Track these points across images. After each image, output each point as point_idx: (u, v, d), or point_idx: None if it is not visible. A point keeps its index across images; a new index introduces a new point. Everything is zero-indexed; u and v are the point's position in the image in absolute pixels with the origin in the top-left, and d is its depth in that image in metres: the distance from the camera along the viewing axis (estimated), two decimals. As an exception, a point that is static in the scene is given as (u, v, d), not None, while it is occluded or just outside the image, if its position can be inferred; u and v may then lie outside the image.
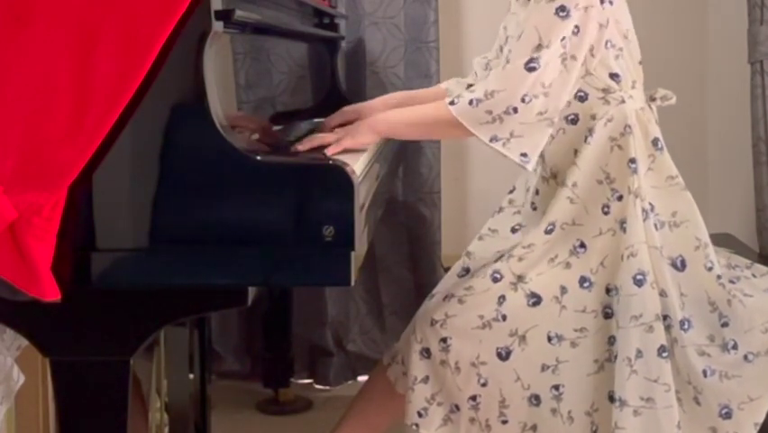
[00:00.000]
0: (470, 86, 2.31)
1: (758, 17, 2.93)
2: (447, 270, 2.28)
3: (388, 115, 2.11)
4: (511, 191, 2.32)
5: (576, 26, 2.02)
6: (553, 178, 2.15)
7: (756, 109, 2.96)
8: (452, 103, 2.00)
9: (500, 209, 2.31)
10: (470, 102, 1.98)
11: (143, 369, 2.25)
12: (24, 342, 1.79)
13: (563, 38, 2.01)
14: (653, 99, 2.18)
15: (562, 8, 2.01)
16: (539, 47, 1.99)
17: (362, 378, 3.21)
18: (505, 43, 2.15)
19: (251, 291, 1.55)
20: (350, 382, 3.33)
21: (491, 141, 1.98)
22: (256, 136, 1.96)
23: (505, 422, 2.08)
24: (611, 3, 2.08)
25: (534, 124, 1.99)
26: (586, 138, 2.10)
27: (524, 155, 1.99)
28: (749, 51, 2.97)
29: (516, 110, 1.97)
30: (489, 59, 2.35)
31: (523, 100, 1.98)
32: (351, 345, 3.33)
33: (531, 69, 1.98)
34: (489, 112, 1.98)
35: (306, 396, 3.24)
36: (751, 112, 2.98)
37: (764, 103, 2.94)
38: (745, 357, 2.03)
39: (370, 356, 3.27)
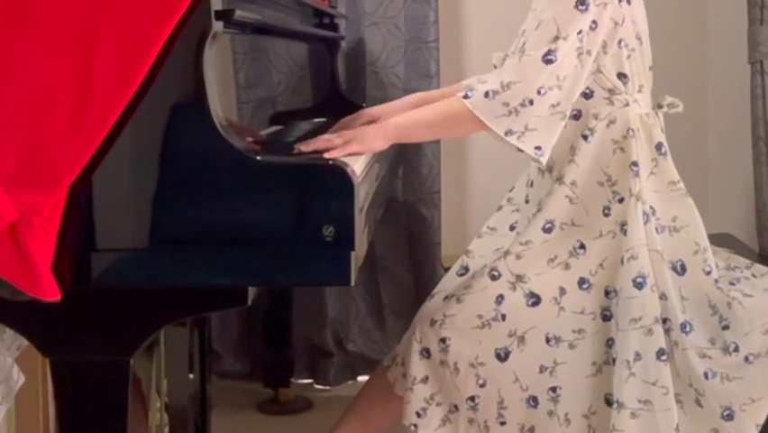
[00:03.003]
0: None
1: (758, 17, 2.93)
2: (447, 270, 2.28)
3: (399, 119, 2.07)
4: (511, 190, 2.32)
5: (593, 21, 2.02)
6: (549, 171, 2.15)
7: (756, 109, 2.96)
8: (465, 96, 1.98)
9: (499, 207, 2.31)
10: (486, 94, 1.97)
11: (143, 369, 2.25)
12: (24, 342, 1.79)
13: (580, 31, 2.00)
14: (659, 106, 2.17)
15: (581, 2, 2.00)
16: (556, 39, 1.98)
17: (362, 378, 3.22)
18: (521, 36, 2.13)
19: (251, 291, 1.55)
20: (350, 382, 3.33)
21: (506, 134, 1.96)
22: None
23: (503, 423, 2.08)
24: (629, 2, 2.07)
25: (548, 117, 1.98)
26: (586, 137, 2.10)
27: (538, 148, 1.98)
28: (749, 51, 2.97)
29: (531, 102, 1.96)
30: (508, 55, 2.33)
31: (539, 92, 1.96)
32: (351, 345, 3.33)
33: (548, 62, 1.97)
34: (506, 104, 1.96)
35: (306, 396, 3.24)
36: (751, 112, 2.98)
37: (764, 103, 2.94)
38: (746, 359, 2.03)
39: (370, 356, 3.27)
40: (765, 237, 2.97)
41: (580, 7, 2.00)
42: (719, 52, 3.32)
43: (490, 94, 1.96)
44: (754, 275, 2.20)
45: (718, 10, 3.31)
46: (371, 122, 2.13)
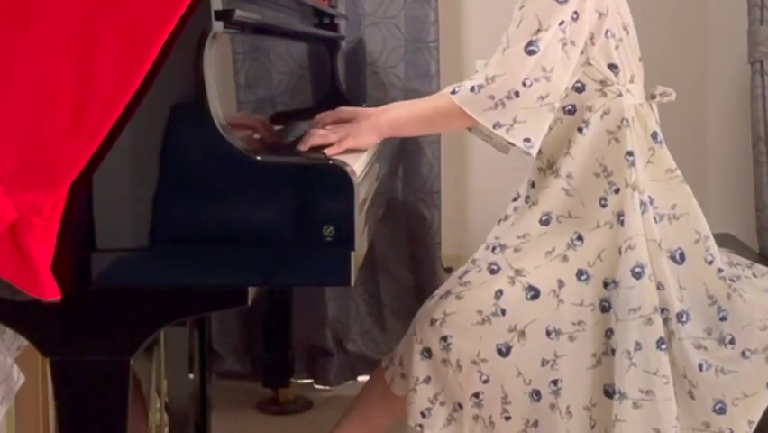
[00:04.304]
0: None
1: (758, 17, 2.93)
2: (447, 269, 2.28)
3: (390, 113, 2.09)
4: (515, 199, 2.32)
5: (575, 12, 2.03)
6: (549, 168, 2.15)
7: (756, 109, 2.96)
8: (453, 92, 2.00)
9: (506, 217, 2.31)
10: (472, 89, 1.99)
11: (143, 369, 2.25)
12: (24, 342, 1.79)
13: (562, 22, 2.01)
14: (653, 97, 2.18)
15: None
16: (538, 31, 2.00)
17: (362, 378, 3.22)
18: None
19: (251, 291, 1.55)
20: (350, 382, 3.32)
21: (495, 127, 1.98)
22: (257, 135, 1.96)
23: (508, 418, 2.08)
24: None
25: (537, 110, 1.99)
26: (581, 129, 2.11)
27: (527, 140, 1.99)
28: (749, 51, 2.97)
29: (517, 94, 1.98)
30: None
31: (524, 84, 1.98)
32: (351, 345, 3.33)
33: (530, 53, 1.99)
34: (492, 97, 1.98)
35: (306, 396, 3.24)
36: (751, 112, 2.98)
37: (764, 103, 2.94)
38: (743, 354, 2.04)
39: (370, 356, 3.27)
40: (765, 237, 2.97)
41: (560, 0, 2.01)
42: (719, 52, 3.31)
43: (476, 88, 1.98)
44: (754, 275, 2.21)
45: (718, 10, 3.31)
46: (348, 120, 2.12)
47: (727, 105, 3.31)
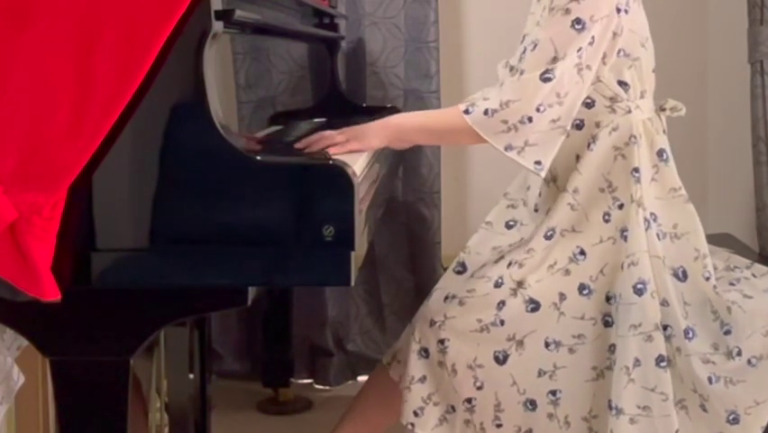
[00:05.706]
0: None
1: (758, 17, 2.93)
2: (447, 269, 2.27)
3: (400, 120, 2.09)
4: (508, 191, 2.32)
5: (592, 37, 2.01)
6: (553, 181, 2.15)
7: (756, 109, 2.96)
8: (466, 111, 1.99)
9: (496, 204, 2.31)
10: (486, 111, 1.98)
11: (143, 369, 2.25)
12: (24, 342, 1.79)
13: (580, 49, 2.00)
14: (662, 109, 2.17)
15: (578, 21, 1.99)
16: (555, 59, 1.99)
17: (362, 378, 3.22)
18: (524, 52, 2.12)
19: (251, 291, 1.55)
20: (350, 382, 3.33)
21: (506, 149, 1.98)
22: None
23: (499, 426, 2.08)
24: (626, 12, 2.07)
25: (548, 132, 1.99)
26: (589, 145, 2.10)
27: (537, 163, 1.99)
28: (749, 51, 2.97)
29: (530, 119, 1.97)
30: (511, 64, 2.32)
31: (538, 110, 1.97)
32: (351, 345, 3.33)
33: (546, 80, 1.98)
34: (505, 121, 1.98)
35: (306, 396, 3.23)
36: (751, 112, 2.98)
37: (764, 103, 2.94)
38: (749, 362, 2.03)
39: (370, 356, 3.27)
40: (765, 237, 2.97)
41: (577, 26, 2.00)
42: (719, 52, 3.32)
43: (490, 112, 1.98)
44: (754, 275, 2.20)
45: (718, 10, 3.31)
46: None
47: (727, 106, 3.31)
